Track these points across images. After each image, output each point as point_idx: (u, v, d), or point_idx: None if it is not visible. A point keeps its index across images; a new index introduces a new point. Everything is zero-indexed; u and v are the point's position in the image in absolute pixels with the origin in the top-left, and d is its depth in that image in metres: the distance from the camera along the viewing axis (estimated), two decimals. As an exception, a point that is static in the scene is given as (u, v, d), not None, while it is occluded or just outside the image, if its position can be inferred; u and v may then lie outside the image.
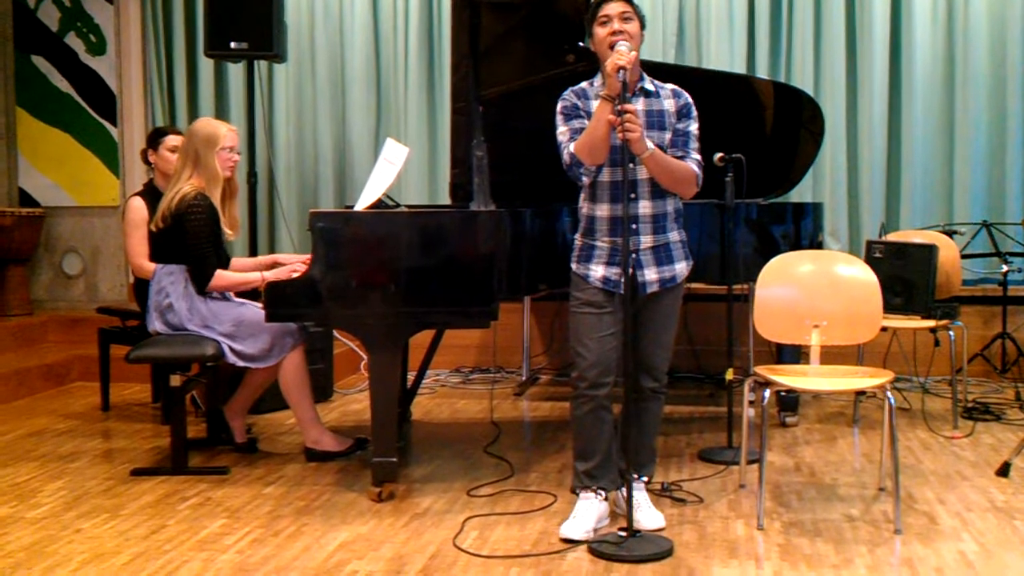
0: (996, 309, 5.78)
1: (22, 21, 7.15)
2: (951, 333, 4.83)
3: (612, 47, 3.26)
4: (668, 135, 3.41)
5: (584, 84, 3.48)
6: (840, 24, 6.33)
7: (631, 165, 3.28)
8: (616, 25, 3.31)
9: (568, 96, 3.44)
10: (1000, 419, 4.98)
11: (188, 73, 7.05)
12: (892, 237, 5.34)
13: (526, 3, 4.46)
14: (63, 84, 7.14)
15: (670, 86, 3.50)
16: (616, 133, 3.18)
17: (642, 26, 3.39)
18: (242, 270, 4.37)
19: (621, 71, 3.17)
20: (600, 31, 3.35)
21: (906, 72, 6.30)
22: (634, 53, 3.26)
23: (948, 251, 5.08)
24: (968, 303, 5.75)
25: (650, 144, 3.27)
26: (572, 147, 3.34)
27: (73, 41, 7.12)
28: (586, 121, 3.34)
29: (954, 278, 5.12)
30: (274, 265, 4.37)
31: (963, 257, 5.44)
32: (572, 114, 3.40)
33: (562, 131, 3.41)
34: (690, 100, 3.49)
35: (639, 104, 3.35)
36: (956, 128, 6.26)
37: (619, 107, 3.15)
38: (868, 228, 6.26)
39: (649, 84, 3.44)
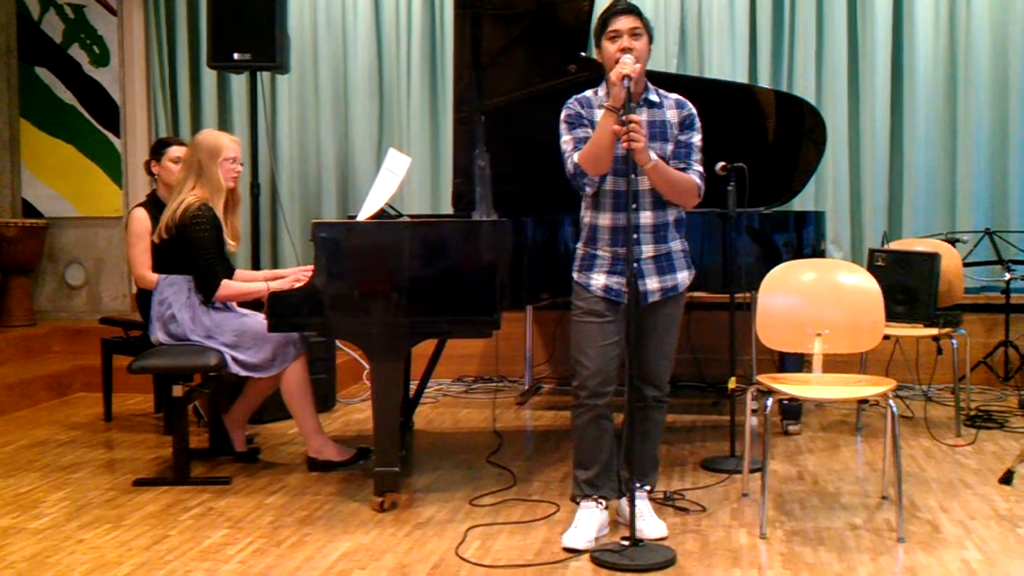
0: (999, 317, 5.77)
1: (26, 33, 7.17)
2: (954, 341, 4.83)
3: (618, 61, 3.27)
4: (670, 146, 3.41)
5: (588, 92, 3.48)
6: (842, 32, 6.33)
7: (633, 175, 3.28)
8: (625, 42, 3.31)
9: (572, 104, 3.44)
10: (1003, 427, 4.97)
11: (191, 84, 7.07)
12: (894, 245, 5.33)
13: (528, 13, 4.47)
14: (67, 95, 7.16)
15: (674, 96, 3.49)
16: (620, 143, 3.19)
17: (650, 40, 3.40)
18: (246, 282, 4.38)
19: (625, 79, 3.18)
20: (609, 46, 3.35)
21: (908, 80, 6.30)
22: (639, 65, 3.27)
23: (951, 259, 5.08)
24: (971, 311, 5.75)
25: (653, 155, 3.28)
26: (576, 157, 3.34)
27: (77, 53, 7.14)
28: (590, 130, 3.35)
29: (956, 286, 5.12)
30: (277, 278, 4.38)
31: (965, 265, 5.43)
32: (576, 123, 3.40)
33: (566, 139, 3.41)
34: (694, 112, 3.47)
35: (642, 115, 3.35)
36: (958, 136, 6.26)
37: (624, 117, 3.16)
38: (870, 236, 6.26)
39: (653, 95, 3.44)
